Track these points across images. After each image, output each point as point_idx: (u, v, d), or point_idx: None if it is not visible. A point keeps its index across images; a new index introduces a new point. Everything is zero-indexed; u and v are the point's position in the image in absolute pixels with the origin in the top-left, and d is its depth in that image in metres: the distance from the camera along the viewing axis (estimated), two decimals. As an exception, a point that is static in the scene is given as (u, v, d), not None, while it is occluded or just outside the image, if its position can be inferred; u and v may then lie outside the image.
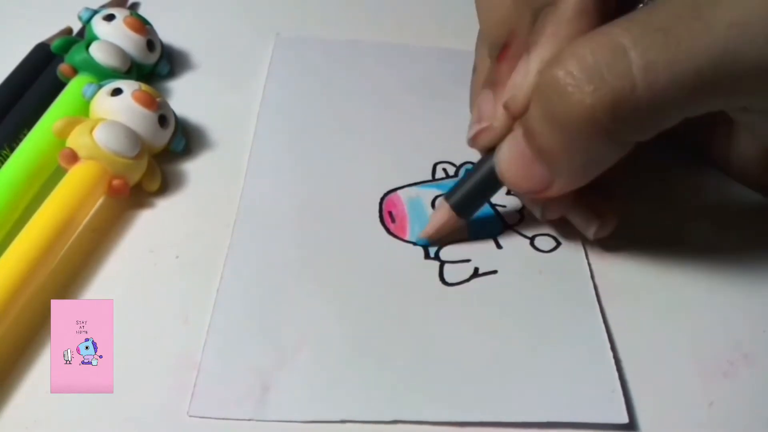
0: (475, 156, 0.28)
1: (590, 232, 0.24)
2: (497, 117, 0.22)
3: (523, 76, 0.21)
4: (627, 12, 0.19)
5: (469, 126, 0.24)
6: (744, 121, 0.22)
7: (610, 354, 0.21)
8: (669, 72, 0.18)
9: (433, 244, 0.24)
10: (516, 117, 0.22)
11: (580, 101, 0.18)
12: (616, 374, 0.21)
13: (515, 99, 0.21)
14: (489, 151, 0.23)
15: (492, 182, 0.23)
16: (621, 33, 0.18)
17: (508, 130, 0.22)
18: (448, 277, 0.23)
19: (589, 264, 0.24)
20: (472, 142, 0.24)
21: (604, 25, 0.19)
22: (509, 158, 0.22)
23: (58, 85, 0.28)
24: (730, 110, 0.21)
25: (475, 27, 0.25)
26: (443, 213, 0.24)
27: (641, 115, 0.18)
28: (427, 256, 0.24)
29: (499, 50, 0.23)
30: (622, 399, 0.20)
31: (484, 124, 0.23)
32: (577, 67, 0.18)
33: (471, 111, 0.27)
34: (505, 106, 0.22)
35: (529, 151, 0.21)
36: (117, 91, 0.25)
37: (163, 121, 0.26)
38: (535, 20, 0.22)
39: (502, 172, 0.22)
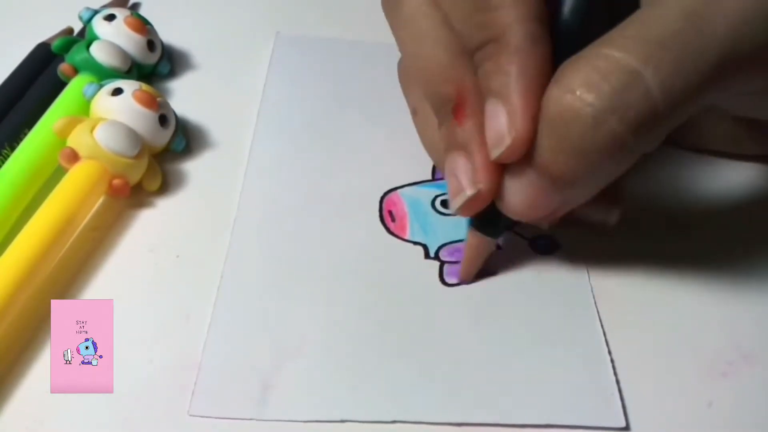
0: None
1: (614, 218, 0.24)
2: (481, 180, 0.21)
3: (506, 123, 0.19)
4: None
5: (449, 195, 0.22)
6: (729, 104, 0.24)
7: (608, 357, 0.21)
8: (681, 83, 0.18)
9: (472, 280, 0.23)
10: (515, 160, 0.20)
11: (610, 130, 0.18)
12: (613, 378, 0.21)
13: (514, 147, 0.20)
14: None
15: None
16: (625, 55, 0.18)
17: (497, 190, 0.21)
18: (448, 278, 0.23)
19: (586, 266, 0.24)
20: (462, 212, 0.22)
21: (589, 46, 0.19)
22: (515, 194, 0.21)
23: (59, 85, 0.28)
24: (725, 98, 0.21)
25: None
26: (471, 240, 0.23)
27: (661, 126, 0.19)
28: (427, 255, 0.24)
29: (451, 108, 0.21)
30: (619, 403, 0.20)
31: (469, 193, 0.21)
32: (592, 96, 0.18)
33: (433, 160, 0.25)
34: (500, 160, 0.20)
35: (540, 183, 0.20)
36: (117, 91, 0.26)
37: (163, 120, 0.26)
38: (475, 62, 0.21)
39: (511, 209, 0.21)
